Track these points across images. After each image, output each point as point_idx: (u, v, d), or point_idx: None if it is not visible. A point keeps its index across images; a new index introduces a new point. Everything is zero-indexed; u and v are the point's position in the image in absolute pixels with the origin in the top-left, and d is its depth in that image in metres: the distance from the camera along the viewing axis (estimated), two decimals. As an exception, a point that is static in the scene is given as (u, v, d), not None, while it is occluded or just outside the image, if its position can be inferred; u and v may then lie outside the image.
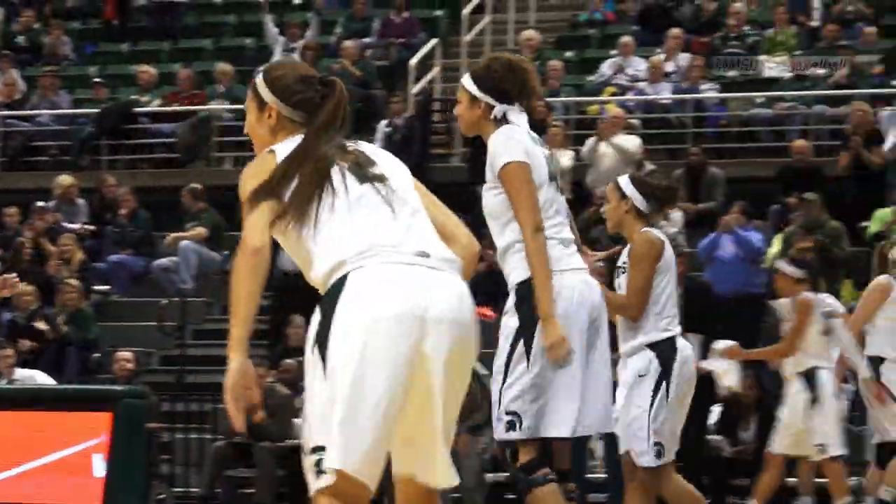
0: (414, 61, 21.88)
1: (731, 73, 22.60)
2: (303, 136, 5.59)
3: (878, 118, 19.98)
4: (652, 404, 9.04)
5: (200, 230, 20.44)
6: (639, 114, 21.65)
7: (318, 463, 5.17)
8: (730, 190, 19.63)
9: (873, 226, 17.70)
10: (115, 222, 20.24)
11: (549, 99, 20.96)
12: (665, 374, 8.98)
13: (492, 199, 7.74)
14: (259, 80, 5.68)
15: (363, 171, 5.49)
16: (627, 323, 9.32)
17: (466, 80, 7.91)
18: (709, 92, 21.80)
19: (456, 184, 18.60)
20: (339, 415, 5.16)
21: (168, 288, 20.07)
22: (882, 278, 12.01)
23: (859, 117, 19.42)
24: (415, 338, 5.24)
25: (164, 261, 20.46)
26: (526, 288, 7.72)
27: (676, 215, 17.83)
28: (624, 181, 9.36)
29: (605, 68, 22.28)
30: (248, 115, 5.64)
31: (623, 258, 9.37)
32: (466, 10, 24.23)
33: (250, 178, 5.43)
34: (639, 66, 22.30)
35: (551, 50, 23.48)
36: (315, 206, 5.44)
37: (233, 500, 16.91)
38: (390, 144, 20.01)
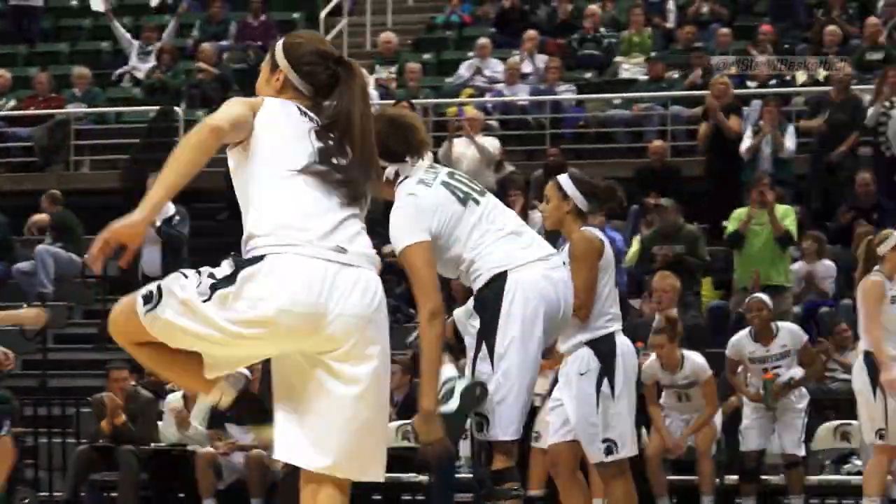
0: (271, 64, 21.69)
1: (588, 75, 22.42)
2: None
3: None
4: (597, 401, 8.92)
5: (43, 217, 20.12)
6: (497, 115, 21.57)
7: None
8: (589, 190, 19.34)
9: (731, 225, 17.42)
10: (-28, 227, 19.56)
11: (406, 101, 20.53)
12: (606, 371, 8.83)
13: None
14: (279, 43, 5.74)
15: (328, 153, 5.53)
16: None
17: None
18: (566, 93, 21.72)
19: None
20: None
21: (29, 292, 19.58)
22: (875, 277, 11.58)
23: (720, 89, 19.21)
24: (310, 331, 5.36)
25: (24, 264, 20.01)
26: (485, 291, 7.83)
27: (537, 216, 17.74)
28: (565, 180, 9.24)
29: (463, 70, 22.21)
30: (261, 74, 5.71)
31: (563, 257, 9.14)
32: (323, 13, 24.17)
33: (235, 100, 5.53)
34: (496, 67, 22.21)
35: (409, 52, 23.52)
36: (273, 155, 5.51)
37: (97, 503, 16.19)
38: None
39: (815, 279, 16.96)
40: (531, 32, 21.78)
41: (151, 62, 22.86)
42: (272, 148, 5.52)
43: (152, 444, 15.51)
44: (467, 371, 7.90)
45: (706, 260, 17.43)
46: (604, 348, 8.96)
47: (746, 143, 18.35)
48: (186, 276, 5.34)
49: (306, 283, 5.34)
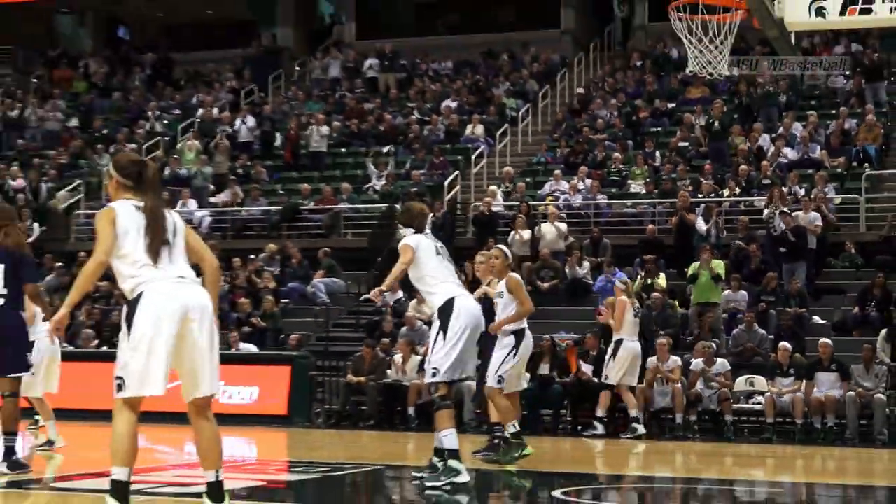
0: None
1: (613, 190, 24.41)
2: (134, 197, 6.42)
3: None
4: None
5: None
6: (565, 211, 23.28)
7: (120, 388, 6.28)
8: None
9: (690, 270, 19.66)
10: None
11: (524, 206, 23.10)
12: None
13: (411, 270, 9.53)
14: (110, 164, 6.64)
15: (162, 225, 6.39)
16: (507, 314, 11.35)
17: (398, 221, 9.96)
18: (601, 199, 23.84)
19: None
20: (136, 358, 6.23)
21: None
22: None
23: (684, 198, 21.34)
24: (180, 317, 6.28)
25: (308, 287, 22.46)
26: (443, 311, 9.39)
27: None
28: (507, 250, 11.73)
29: (547, 187, 24.31)
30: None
31: (500, 288, 11.46)
32: (474, 156, 26.56)
33: (101, 219, 6.35)
34: (564, 186, 24.27)
35: (518, 177, 25.33)
36: (128, 245, 6.34)
37: (355, 411, 18.51)
38: None
39: (733, 301, 19.57)
40: (583, 168, 24.93)
41: (383, 181, 26.14)
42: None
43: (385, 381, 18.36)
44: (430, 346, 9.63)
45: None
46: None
47: (700, 226, 21.19)
48: None
49: (173, 296, 6.29)
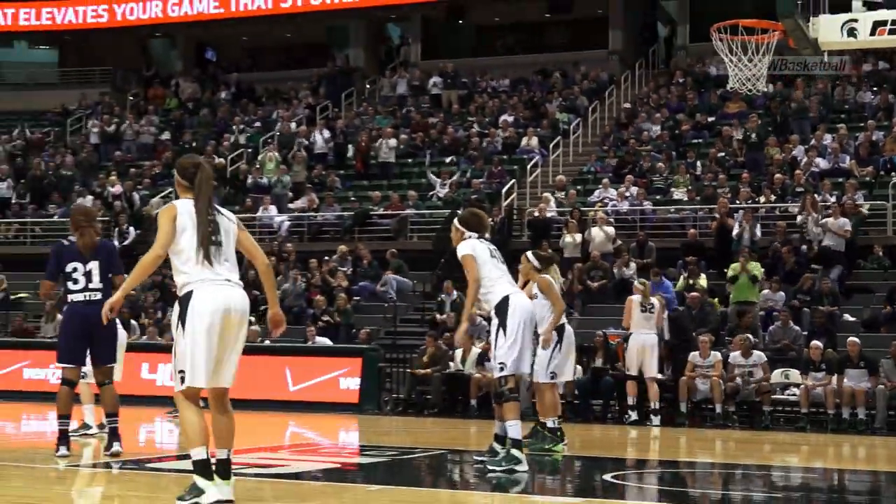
0: None
1: (658, 197, 24.13)
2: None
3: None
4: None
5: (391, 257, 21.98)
6: (613, 216, 22.94)
7: (182, 380, 6.38)
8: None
9: (729, 272, 19.60)
10: None
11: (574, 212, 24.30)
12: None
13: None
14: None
15: (215, 228, 6.41)
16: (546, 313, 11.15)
17: (455, 222, 9.57)
18: (647, 205, 23.69)
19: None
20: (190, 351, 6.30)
21: (382, 299, 22.09)
22: None
23: (723, 204, 21.48)
24: (222, 318, 6.35)
25: (379, 285, 22.38)
26: (500, 309, 9.30)
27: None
28: (531, 256, 11.28)
29: (596, 194, 24.52)
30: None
31: (534, 291, 11.14)
32: (529, 166, 26.51)
33: (163, 214, 6.42)
34: (612, 193, 24.18)
35: (570, 185, 25.42)
36: (183, 242, 6.39)
37: (420, 399, 18.72)
38: None
39: (771, 300, 19.50)
40: (630, 177, 24.84)
41: (446, 189, 26.14)
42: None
43: (447, 371, 18.54)
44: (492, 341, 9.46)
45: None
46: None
47: (735, 231, 21.15)
48: None
49: (218, 297, 6.34)
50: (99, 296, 9.47)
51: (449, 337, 18.58)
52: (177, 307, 6.36)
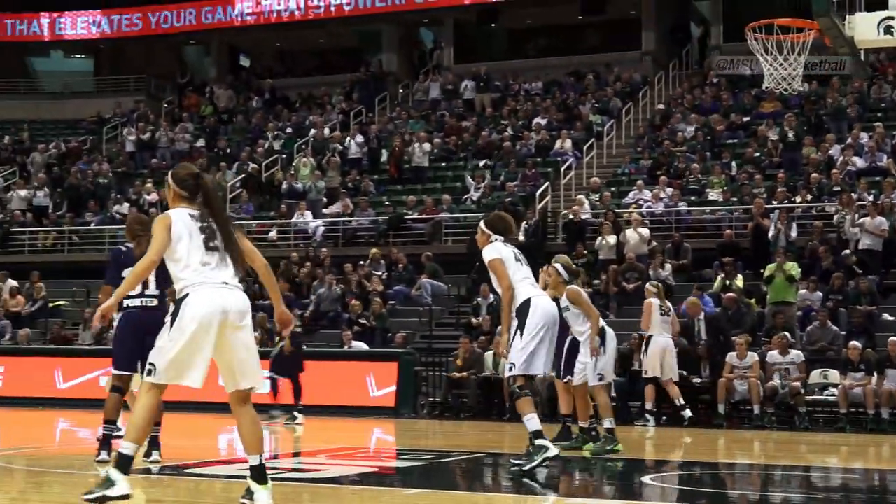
0: None
1: (693, 197, 23.92)
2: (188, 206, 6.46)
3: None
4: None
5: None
6: (648, 218, 23.09)
7: (150, 372, 6.40)
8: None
9: (766, 272, 19.49)
10: None
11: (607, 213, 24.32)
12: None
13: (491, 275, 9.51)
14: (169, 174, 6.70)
15: (210, 235, 6.47)
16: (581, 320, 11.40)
17: (481, 224, 9.53)
18: (682, 206, 23.87)
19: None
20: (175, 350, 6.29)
21: (416, 302, 22.29)
22: None
23: (759, 205, 21.40)
24: (220, 320, 6.34)
25: (413, 289, 22.70)
26: (521, 311, 9.35)
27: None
28: (559, 268, 11.29)
29: (631, 195, 24.53)
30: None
31: (564, 303, 11.25)
32: (563, 168, 26.70)
33: (158, 223, 6.48)
34: (647, 194, 24.07)
35: (604, 187, 25.48)
36: (181, 250, 6.44)
37: (457, 402, 18.82)
38: None
39: (809, 300, 19.45)
40: (663, 178, 24.95)
41: (480, 192, 26.38)
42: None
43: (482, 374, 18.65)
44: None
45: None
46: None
47: (772, 232, 21.19)
48: None
49: (215, 299, 6.31)
50: (155, 302, 9.53)
51: (484, 340, 18.69)
52: (171, 308, 6.39)
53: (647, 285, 17.14)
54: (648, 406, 16.80)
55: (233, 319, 6.30)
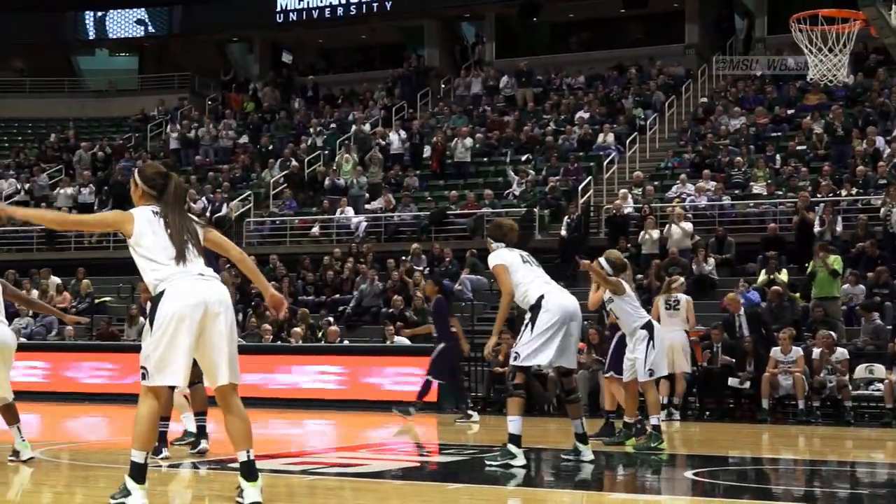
0: None
1: (737, 191, 24.30)
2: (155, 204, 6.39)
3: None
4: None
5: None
6: (691, 212, 22.95)
7: (143, 377, 6.24)
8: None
9: (810, 267, 19.38)
10: None
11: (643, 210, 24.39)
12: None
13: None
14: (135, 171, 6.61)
15: (175, 230, 6.37)
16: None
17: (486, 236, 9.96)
18: (726, 200, 23.69)
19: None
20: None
21: (459, 297, 21.77)
22: None
23: (804, 198, 21.28)
24: (201, 313, 6.23)
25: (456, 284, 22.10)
26: (533, 307, 9.35)
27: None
28: (603, 261, 11.23)
29: (674, 189, 24.52)
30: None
31: (608, 295, 11.24)
32: (605, 162, 26.96)
33: (118, 216, 6.45)
34: (690, 189, 24.13)
35: (647, 181, 25.33)
36: (143, 242, 6.32)
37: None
38: None
39: (853, 294, 19.46)
40: (707, 171, 24.96)
41: (522, 187, 26.43)
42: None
43: None
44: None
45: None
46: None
47: (817, 227, 21.21)
48: None
49: (193, 291, 6.20)
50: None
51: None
52: (149, 306, 6.26)
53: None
54: (674, 400, 16.71)
55: (214, 310, 6.18)
